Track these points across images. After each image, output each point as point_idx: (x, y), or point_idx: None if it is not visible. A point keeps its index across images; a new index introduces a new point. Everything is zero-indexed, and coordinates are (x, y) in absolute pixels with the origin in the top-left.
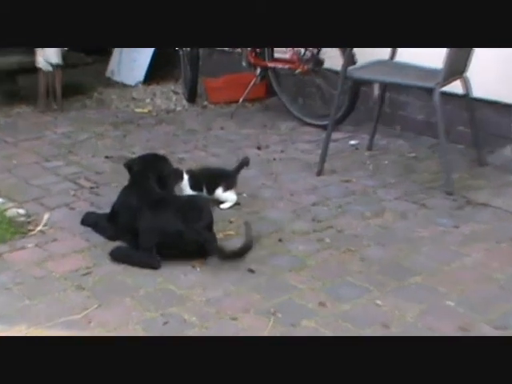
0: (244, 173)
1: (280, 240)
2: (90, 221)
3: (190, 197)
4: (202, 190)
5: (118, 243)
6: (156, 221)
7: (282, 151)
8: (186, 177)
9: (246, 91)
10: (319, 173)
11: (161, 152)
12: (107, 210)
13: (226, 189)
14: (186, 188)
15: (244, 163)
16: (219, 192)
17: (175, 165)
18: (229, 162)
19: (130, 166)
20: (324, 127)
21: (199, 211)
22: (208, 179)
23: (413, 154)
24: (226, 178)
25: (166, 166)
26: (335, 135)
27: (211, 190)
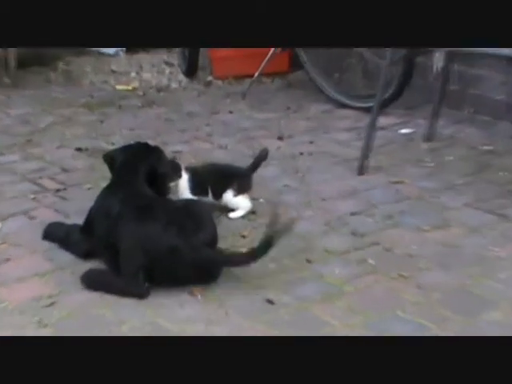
0: (261, 171)
1: (308, 261)
2: (56, 234)
3: (187, 202)
4: (206, 194)
5: (92, 264)
6: (142, 234)
7: (310, 142)
8: (185, 176)
9: (263, 63)
10: (361, 171)
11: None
12: (78, 221)
13: (238, 192)
14: (184, 191)
15: (261, 158)
16: (229, 196)
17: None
18: (240, 157)
19: (111, 158)
20: (367, 110)
21: (199, 221)
22: (214, 179)
23: (488, 147)
24: (238, 179)
25: (160, 160)
26: (382, 121)
27: (218, 194)
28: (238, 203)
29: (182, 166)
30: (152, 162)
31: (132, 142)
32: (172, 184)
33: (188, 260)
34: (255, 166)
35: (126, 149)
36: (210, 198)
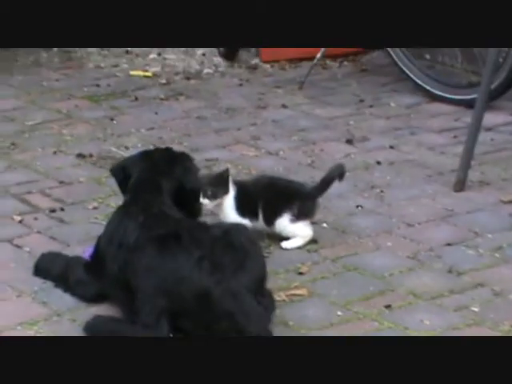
0: None
1: (388, 307)
2: (51, 269)
3: (228, 228)
4: (255, 217)
5: (98, 309)
6: (166, 271)
7: (391, 147)
8: (231, 192)
9: None
10: (460, 187)
11: (175, 148)
12: (81, 251)
13: (298, 218)
14: (229, 212)
15: (334, 176)
16: (284, 222)
17: (202, 171)
18: (296, 167)
19: (122, 170)
20: (469, 104)
21: (242, 256)
22: (268, 199)
23: None
24: (300, 200)
25: (188, 171)
26: (489, 119)
27: (271, 218)
28: (297, 231)
29: (230, 179)
30: (179, 174)
31: (151, 148)
32: (207, 202)
33: (222, 310)
34: (325, 186)
35: (143, 157)
36: (260, 223)
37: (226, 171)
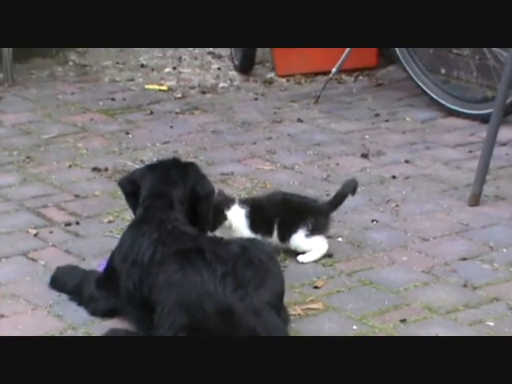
0: None
1: (403, 321)
2: (67, 282)
3: (245, 243)
4: (270, 233)
5: (113, 322)
6: (186, 287)
7: (407, 162)
8: (240, 210)
9: (343, 56)
10: (475, 201)
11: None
12: (95, 265)
13: (312, 233)
14: (240, 228)
15: (347, 191)
16: (300, 237)
17: (217, 186)
18: (312, 182)
19: (132, 183)
20: (484, 119)
21: (263, 271)
22: (283, 215)
23: None
24: (314, 215)
25: (201, 178)
26: (504, 134)
27: (287, 234)
28: (312, 245)
29: (236, 198)
30: (190, 183)
31: (161, 160)
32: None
33: (245, 327)
34: (338, 201)
35: (151, 170)
36: (274, 239)
37: (220, 199)
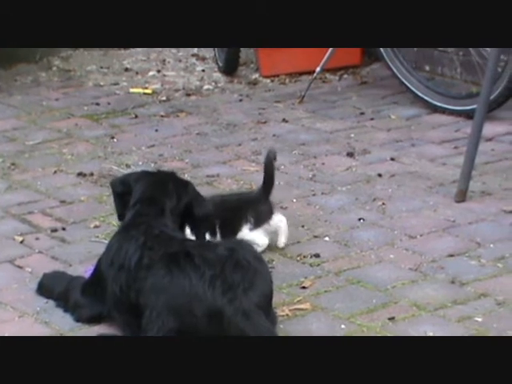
0: (326, 199)
1: (391, 319)
2: (53, 288)
3: (232, 246)
4: (214, 236)
5: (101, 328)
6: (175, 290)
7: (392, 159)
8: None
9: (327, 55)
10: (461, 197)
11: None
12: (82, 271)
13: (256, 225)
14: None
15: (272, 166)
16: (245, 233)
17: (203, 188)
18: (298, 181)
19: (122, 184)
20: (469, 115)
21: (251, 274)
22: (223, 215)
23: None
24: (254, 206)
25: (201, 204)
26: (489, 129)
27: (231, 235)
28: (256, 239)
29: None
30: (186, 200)
31: (152, 169)
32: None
33: (235, 329)
34: (270, 182)
35: (148, 175)
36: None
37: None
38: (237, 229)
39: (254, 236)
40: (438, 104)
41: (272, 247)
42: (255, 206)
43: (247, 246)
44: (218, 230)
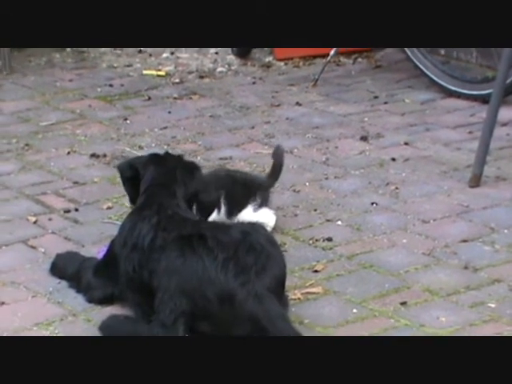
0: (339, 183)
1: (404, 304)
2: (66, 269)
3: (246, 229)
4: (217, 209)
5: (113, 309)
6: (187, 272)
7: (406, 144)
8: None
9: None
10: (475, 182)
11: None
12: (95, 252)
13: (260, 206)
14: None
15: (281, 160)
16: (248, 212)
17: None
18: (311, 164)
19: (130, 168)
20: (484, 99)
21: (264, 257)
22: (229, 190)
23: None
24: (260, 189)
25: (208, 192)
26: (505, 114)
27: (235, 209)
28: (259, 217)
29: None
30: (194, 187)
31: (160, 151)
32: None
33: (247, 313)
34: (277, 173)
35: (156, 161)
36: (221, 215)
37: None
38: (241, 206)
39: (261, 213)
40: (453, 88)
41: (284, 231)
42: (262, 189)
43: (261, 229)
44: (222, 201)
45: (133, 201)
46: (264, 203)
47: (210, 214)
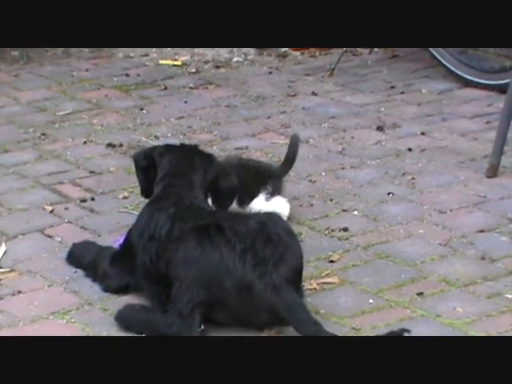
0: (356, 173)
1: (420, 294)
2: (83, 258)
3: (263, 220)
4: None
5: (130, 298)
6: (205, 263)
7: (423, 134)
8: None
9: None
10: (493, 173)
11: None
12: (111, 241)
13: (272, 195)
14: None
15: (296, 149)
16: (260, 201)
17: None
18: (327, 155)
19: (145, 158)
20: (502, 89)
21: (282, 248)
22: (241, 178)
23: None
24: (272, 178)
25: (227, 178)
26: None
27: (247, 198)
28: (272, 206)
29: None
30: (212, 174)
31: (175, 142)
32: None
33: (264, 303)
34: (290, 163)
35: (172, 150)
36: (232, 205)
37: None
38: (254, 194)
39: (275, 202)
40: (470, 78)
41: (300, 221)
42: (274, 178)
43: (278, 219)
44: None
45: (144, 192)
46: (276, 192)
47: (231, 200)
